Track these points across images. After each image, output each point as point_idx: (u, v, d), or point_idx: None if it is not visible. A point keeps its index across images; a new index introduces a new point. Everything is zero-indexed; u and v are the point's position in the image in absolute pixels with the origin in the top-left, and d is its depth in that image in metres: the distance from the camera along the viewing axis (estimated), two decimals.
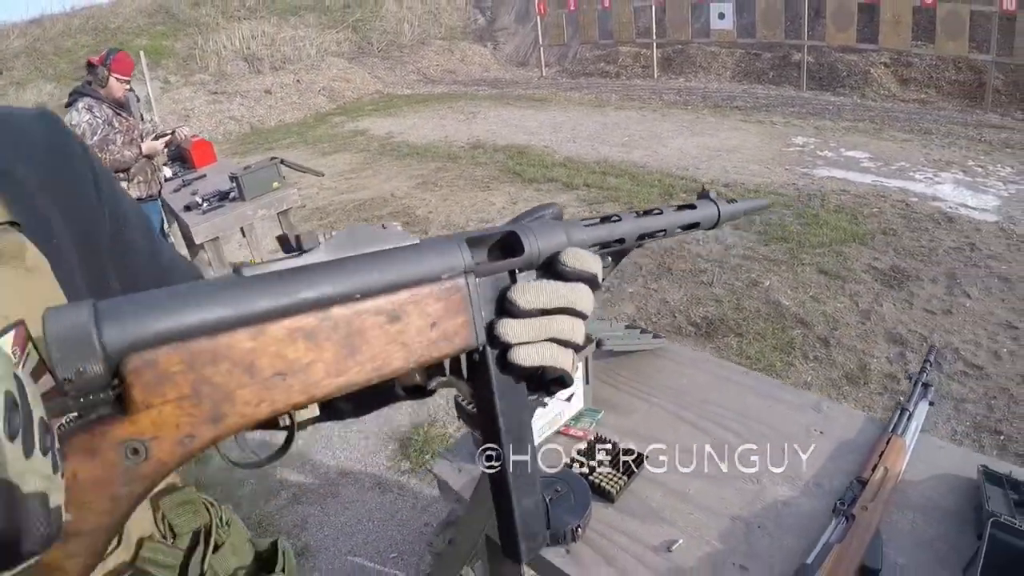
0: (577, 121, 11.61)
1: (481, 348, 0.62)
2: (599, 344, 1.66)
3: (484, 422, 0.65)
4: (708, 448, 1.48)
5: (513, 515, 0.65)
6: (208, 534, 0.79)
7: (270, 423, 0.58)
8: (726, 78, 15.53)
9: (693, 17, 15.54)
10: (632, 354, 1.79)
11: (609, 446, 1.47)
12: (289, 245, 0.53)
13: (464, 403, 1.42)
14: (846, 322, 4.30)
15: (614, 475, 1.39)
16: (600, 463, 1.42)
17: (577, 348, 0.66)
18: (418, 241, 0.58)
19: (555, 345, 0.64)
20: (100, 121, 4.70)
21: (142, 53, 16.20)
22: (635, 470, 1.41)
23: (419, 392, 0.70)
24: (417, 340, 0.57)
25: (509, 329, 0.61)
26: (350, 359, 0.53)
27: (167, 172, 5.72)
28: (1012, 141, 9.40)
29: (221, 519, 0.82)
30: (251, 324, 0.49)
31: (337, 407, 0.74)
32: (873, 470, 1.28)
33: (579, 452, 1.44)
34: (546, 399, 0.61)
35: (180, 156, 6.13)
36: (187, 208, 4.87)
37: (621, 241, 0.73)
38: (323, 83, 18.57)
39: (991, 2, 11.62)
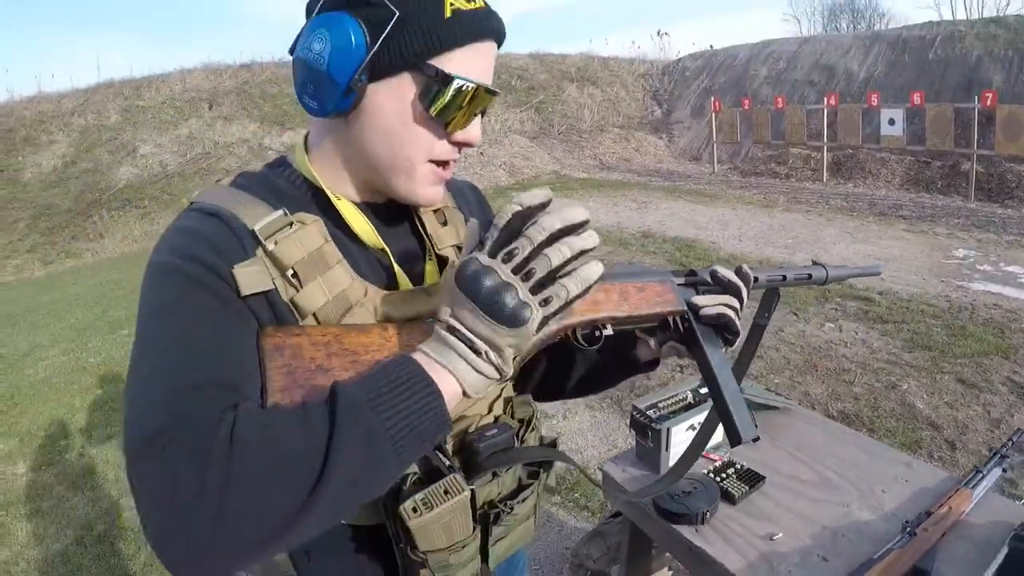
0: (744, 219, 11.95)
1: (685, 313, 1.07)
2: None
3: (699, 358, 1.07)
4: (812, 478, 1.94)
5: (732, 416, 1.02)
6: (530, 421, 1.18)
7: (588, 336, 1.00)
8: (894, 185, 15.66)
9: (864, 122, 15.86)
10: (767, 409, 2.27)
11: (738, 466, 1.94)
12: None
13: (639, 416, 1.96)
14: (975, 428, 4.52)
15: (737, 484, 1.83)
16: (728, 476, 1.88)
17: (737, 313, 1.08)
18: (658, 271, 1.09)
19: (726, 308, 1.07)
20: None
21: None
22: (754, 484, 1.85)
23: (653, 364, 1.20)
24: (653, 298, 1.04)
25: (699, 300, 1.07)
26: (624, 304, 1.00)
27: None
28: None
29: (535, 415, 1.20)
30: (607, 281, 0.99)
31: (613, 351, 1.18)
32: (939, 507, 1.62)
33: (715, 468, 1.93)
34: (726, 347, 1.08)
35: None
36: None
37: (756, 279, 1.17)
38: (504, 158, 19.29)
39: None
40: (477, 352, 0.81)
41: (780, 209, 13.09)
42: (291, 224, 0.91)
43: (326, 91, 0.91)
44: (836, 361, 5.64)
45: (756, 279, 1.17)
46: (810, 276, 1.26)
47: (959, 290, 7.50)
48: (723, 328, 1.08)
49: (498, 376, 0.84)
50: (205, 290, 0.84)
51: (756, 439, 1.06)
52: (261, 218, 0.91)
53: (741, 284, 1.11)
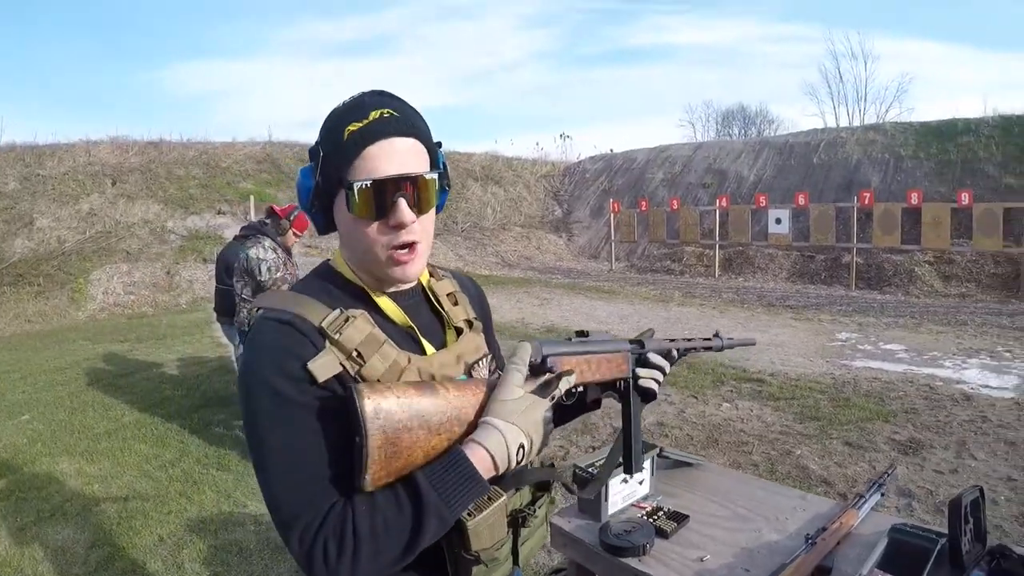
0: (643, 314, 12.29)
1: (629, 376, 1.44)
2: (661, 452, 2.43)
3: (625, 412, 1.46)
4: (726, 513, 2.19)
5: (632, 451, 1.46)
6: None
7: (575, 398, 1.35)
8: (781, 278, 16.46)
9: (753, 221, 16.78)
10: (685, 465, 2.55)
11: (665, 508, 2.20)
12: (583, 333, 1.36)
13: (581, 472, 2.18)
14: (863, 481, 4.76)
15: (667, 522, 2.09)
16: (659, 517, 2.13)
17: (660, 383, 1.49)
18: (617, 338, 1.43)
19: (654, 382, 1.46)
20: (280, 262, 5.54)
21: (251, 198, 17.44)
22: (681, 522, 2.11)
23: (598, 405, 1.46)
24: (614, 367, 1.39)
25: (640, 372, 1.44)
26: (597, 372, 1.35)
27: None
28: None
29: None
30: (582, 355, 1.32)
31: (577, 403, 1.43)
32: (833, 524, 1.87)
33: (647, 512, 2.16)
34: (645, 406, 1.48)
35: None
36: None
37: (678, 351, 1.58)
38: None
39: (1022, 199, 12.99)
40: (506, 438, 1.11)
41: (676, 303, 13.51)
42: (347, 319, 1.16)
43: (313, 219, 1.26)
44: (735, 435, 5.85)
45: (678, 351, 1.58)
46: (710, 346, 1.73)
47: (843, 368, 7.95)
48: (647, 394, 1.47)
49: (516, 455, 1.12)
50: (291, 402, 1.09)
51: (640, 471, 1.67)
52: (322, 316, 1.15)
53: (667, 365, 1.51)
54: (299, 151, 23.31)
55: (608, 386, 1.43)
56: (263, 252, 5.49)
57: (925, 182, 16.27)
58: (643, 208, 19.49)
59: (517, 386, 1.15)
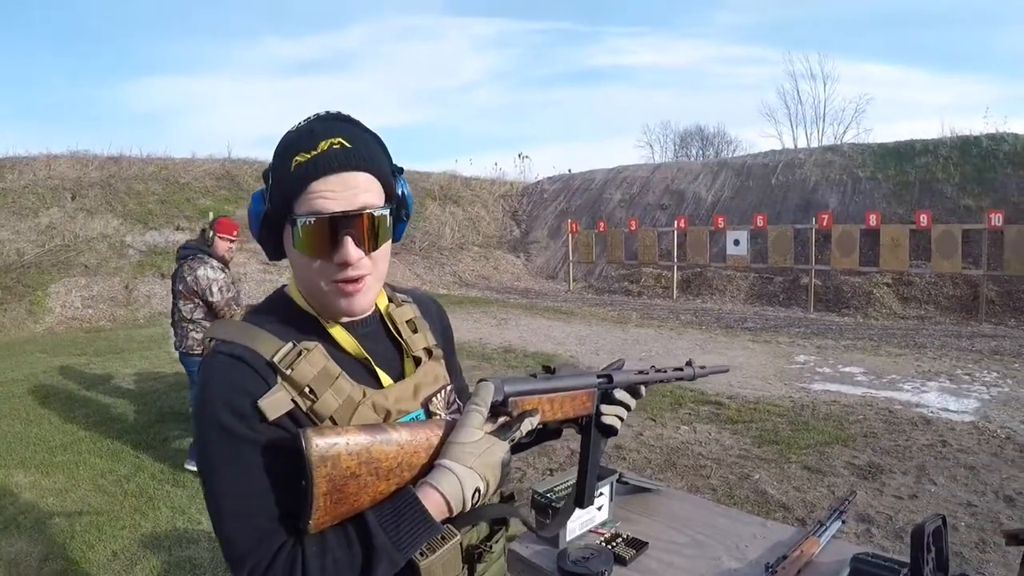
0: (600, 335, 12.24)
1: (593, 412, 1.39)
2: (620, 477, 2.41)
3: (584, 446, 1.42)
4: (686, 540, 2.19)
5: (585, 486, 1.41)
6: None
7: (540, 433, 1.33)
8: (739, 300, 16.46)
9: (711, 243, 16.77)
10: (643, 492, 2.53)
11: (624, 535, 2.18)
12: (550, 369, 1.31)
13: (539, 498, 2.19)
14: (821, 506, 4.71)
15: (626, 549, 2.08)
16: (617, 543, 2.13)
17: (623, 420, 1.44)
18: (584, 372, 1.39)
19: (617, 419, 1.41)
20: (229, 280, 5.45)
21: (211, 214, 17.21)
22: (640, 549, 2.11)
23: (557, 435, 1.42)
24: (578, 405, 1.34)
25: (604, 409, 1.39)
26: (560, 411, 1.30)
27: None
28: (1002, 348, 10.24)
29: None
30: (546, 393, 1.27)
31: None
32: (793, 552, 1.92)
33: (605, 539, 2.15)
34: (604, 442, 1.46)
35: None
36: None
37: (646, 384, 1.49)
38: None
39: (980, 220, 12.97)
40: (462, 482, 1.08)
41: (633, 324, 13.48)
42: (300, 352, 1.14)
43: (264, 247, 1.23)
44: (693, 459, 5.77)
45: (647, 384, 1.51)
46: (682, 376, 1.65)
47: (801, 391, 7.88)
48: (608, 430, 1.42)
49: (472, 498, 1.10)
50: (241, 440, 1.07)
51: (591, 505, 1.59)
52: (274, 350, 1.13)
53: (632, 403, 1.45)
54: (258, 168, 23.22)
55: (570, 421, 1.39)
56: (212, 272, 5.41)
57: (883, 203, 16.36)
58: (601, 229, 19.44)
59: (476, 427, 1.13)
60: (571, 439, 5.82)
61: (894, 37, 69.19)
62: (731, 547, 2.12)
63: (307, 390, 1.12)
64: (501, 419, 1.17)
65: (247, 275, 17.55)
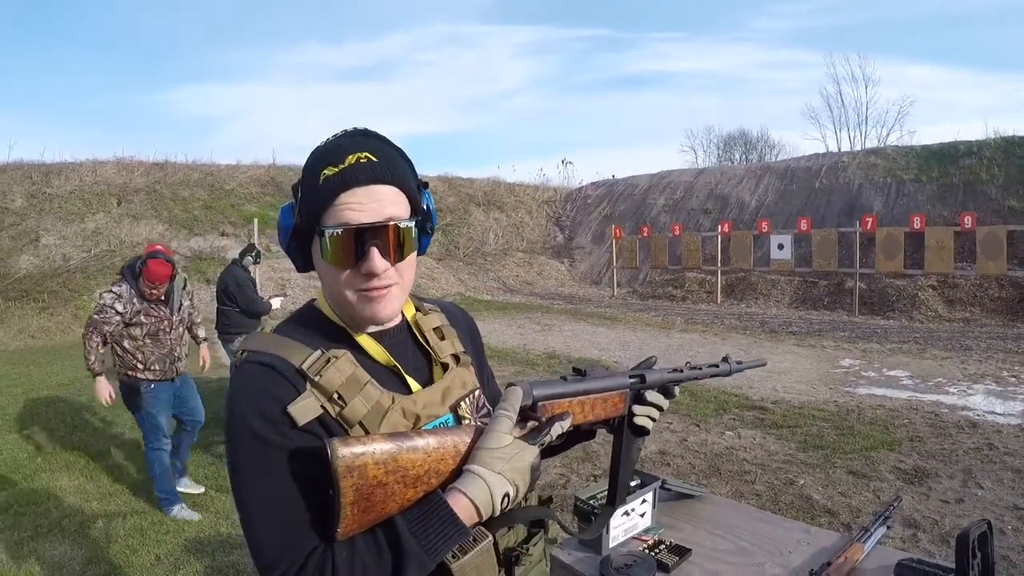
0: (644, 340, 12.25)
1: (625, 414, 1.39)
2: (663, 484, 2.42)
3: (616, 447, 1.44)
4: (729, 547, 2.19)
5: (617, 486, 1.44)
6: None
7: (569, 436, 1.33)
8: (784, 304, 16.44)
9: (755, 247, 16.73)
10: (685, 498, 2.55)
11: (667, 543, 2.20)
12: (580, 372, 1.30)
13: (582, 505, 2.23)
14: (867, 511, 4.71)
15: (669, 556, 2.09)
16: (660, 551, 2.13)
17: (654, 420, 1.45)
18: (616, 372, 1.39)
19: (649, 419, 1.41)
20: (117, 309, 5.10)
21: (255, 220, 17.20)
22: (683, 556, 2.11)
23: (591, 435, 1.44)
24: (610, 407, 1.34)
25: (636, 410, 1.39)
26: (591, 413, 1.30)
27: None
28: None
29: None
30: (576, 396, 1.27)
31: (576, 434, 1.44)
32: (838, 558, 1.92)
33: (648, 546, 2.16)
34: (640, 442, 1.46)
35: None
36: None
37: (679, 382, 1.48)
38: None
39: None
40: (491, 488, 1.10)
41: (678, 330, 13.47)
42: (328, 360, 1.17)
43: (293, 259, 1.27)
44: (737, 464, 5.79)
45: (678, 383, 1.50)
46: (718, 372, 1.63)
47: (846, 395, 7.89)
48: (640, 430, 1.43)
49: (501, 503, 1.11)
50: (271, 446, 1.09)
51: (623, 505, 1.68)
52: (303, 358, 1.16)
53: (665, 403, 1.45)
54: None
55: (602, 422, 1.41)
56: (107, 297, 5.21)
57: (927, 206, 16.29)
58: (645, 234, 19.54)
59: (505, 432, 1.13)
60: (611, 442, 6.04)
61: (935, 38, 68.75)
62: (775, 553, 2.10)
63: (336, 396, 1.14)
64: (530, 424, 1.18)
65: (290, 280, 17.71)
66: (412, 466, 1.08)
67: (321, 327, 1.26)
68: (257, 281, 7.07)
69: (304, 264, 1.26)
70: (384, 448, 1.06)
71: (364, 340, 1.27)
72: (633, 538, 2.21)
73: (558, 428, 1.20)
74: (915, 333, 12.37)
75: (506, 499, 1.11)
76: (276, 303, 7.25)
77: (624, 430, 1.42)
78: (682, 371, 1.51)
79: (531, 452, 1.14)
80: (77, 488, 5.73)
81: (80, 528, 4.94)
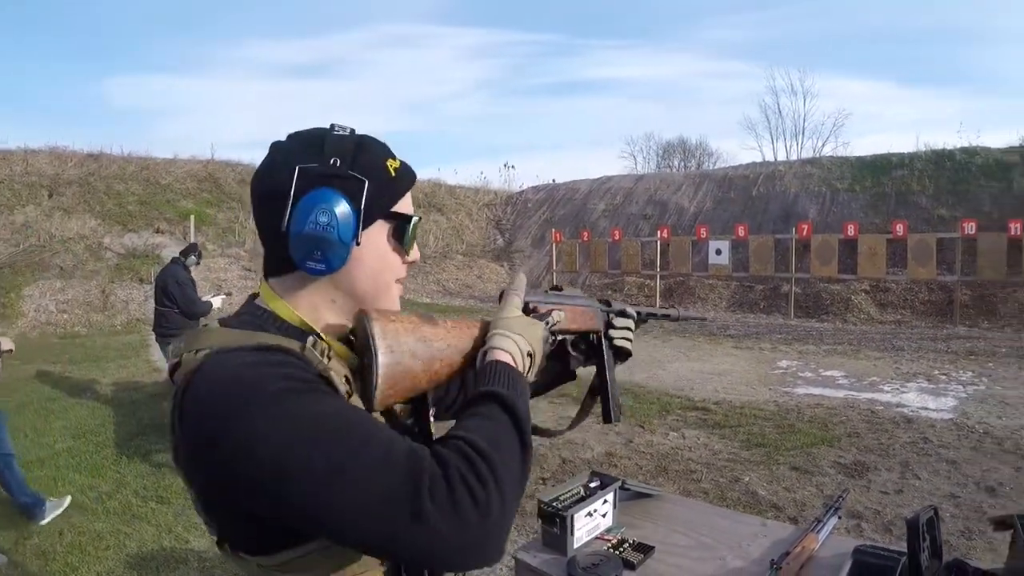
0: None
1: (600, 330, 1.55)
2: (623, 484, 2.43)
3: (598, 368, 1.58)
4: (690, 543, 2.22)
5: (610, 402, 1.57)
6: None
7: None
8: (722, 308, 16.75)
9: (694, 252, 17.00)
10: (643, 497, 2.57)
11: (631, 541, 2.21)
12: (558, 288, 1.49)
13: (546, 507, 2.21)
14: (812, 504, 4.87)
15: (633, 554, 2.11)
16: (624, 549, 2.15)
17: (630, 340, 1.62)
18: (589, 298, 1.54)
19: (627, 340, 1.59)
20: None
21: (192, 218, 16.97)
22: (647, 553, 2.13)
23: (572, 377, 1.58)
24: (587, 319, 1.49)
25: (616, 330, 1.57)
26: (576, 322, 1.45)
27: None
28: (976, 349, 10.70)
29: None
30: (560, 304, 1.41)
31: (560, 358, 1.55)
32: (795, 548, 1.95)
33: (612, 544, 2.18)
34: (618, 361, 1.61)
35: None
36: None
37: (638, 314, 1.69)
38: None
39: (954, 229, 13.62)
40: (518, 344, 1.16)
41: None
42: (327, 346, 1.10)
43: (335, 253, 1.09)
44: (683, 464, 5.88)
45: (639, 315, 1.71)
46: (668, 314, 1.88)
47: (785, 395, 8.10)
48: (621, 352, 1.61)
49: (526, 361, 1.16)
50: (319, 386, 0.98)
51: (619, 421, 1.62)
52: (299, 346, 1.06)
53: (633, 325, 1.64)
54: (242, 172, 22.94)
55: (582, 339, 1.55)
56: None
57: (861, 214, 16.81)
58: (585, 238, 19.60)
59: (517, 307, 1.23)
60: (561, 447, 6.13)
61: (871, 54, 70.67)
62: (734, 547, 2.16)
63: (346, 378, 1.09)
64: (531, 315, 1.30)
65: (227, 281, 17.38)
66: (437, 339, 1.13)
67: (282, 329, 1.13)
68: (195, 282, 6.89)
69: (343, 260, 1.11)
70: (413, 320, 1.11)
71: (337, 347, 1.15)
72: (596, 538, 2.23)
73: (557, 315, 1.36)
74: (849, 335, 12.75)
75: (529, 359, 1.17)
76: (217, 302, 7.11)
77: (604, 347, 1.57)
78: (639, 307, 1.72)
79: (541, 325, 1.23)
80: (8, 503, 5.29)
81: (14, 547, 4.70)
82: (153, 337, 7.08)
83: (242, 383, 0.93)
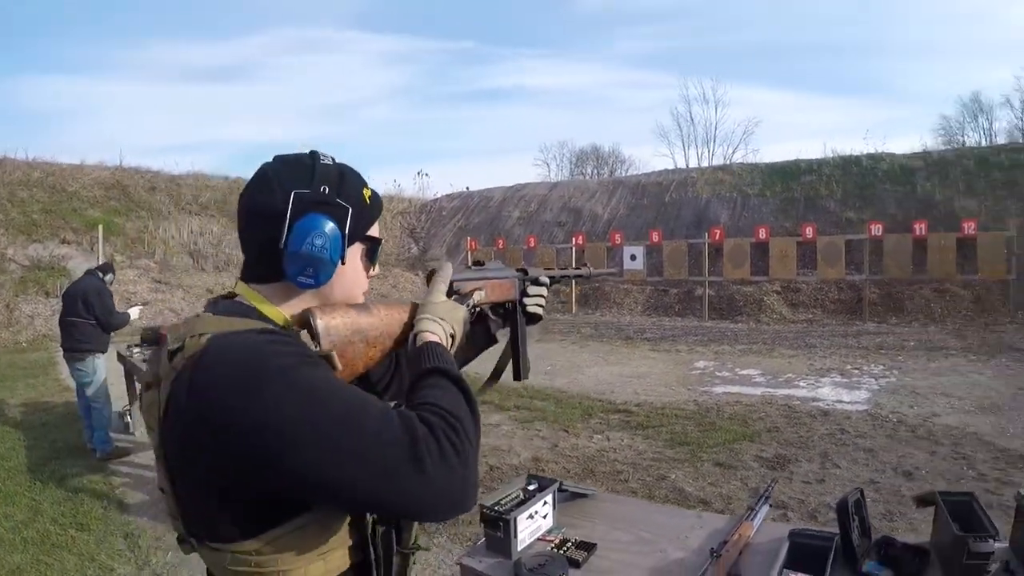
0: (501, 350, 12.32)
1: (516, 299, 1.67)
2: (560, 486, 2.47)
3: (512, 332, 1.69)
4: (630, 539, 2.27)
5: (520, 361, 1.71)
6: None
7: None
8: (637, 312, 16.95)
9: (609, 258, 17.13)
10: (580, 498, 2.63)
11: (573, 540, 2.25)
12: (480, 263, 1.63)
13: (488, 512, 2.23)
14: (738, 498, 4.93)
15: (577, 552, 2.14)
16: (568, 548, 2.19)
17: (542, 307, 1.73)
18: (507, 268, 1.68)
19: (539, 307, 1.71)
20: None
21: (100, 227, 16.17)
22: (590, 551, 2.16)
23: (493, 342, 1.69)
24: (505, 291, 1.64)
25: (529, 298, 1.69)
26: (494, 293, 1.60)
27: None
28: (886, 344, 11.15)
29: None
30: (482, 279, 1.58)
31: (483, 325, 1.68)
32: (732, 536, 2.02)
33: (556, 544, 2.22)
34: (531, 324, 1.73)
35: (156, 341, 6.63)
36: None
37: (552, 279, 1.80)
38: None
39: (862, 231, 14.29)
40: (443, 327, 1.33)
41: (535, 339, 13.50)
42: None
43: (324, 271, 1.22)
44: (610, 465, 5.88)
45: (552, 279, 1.84)
46: (580, 274, 2.03)
47: (704, 394, 8.22)
48: (533, 317, 1.74)
49: (448, 342, 1.33)
50: (322, 361, 1.11)
51: (526, 378, 1.76)
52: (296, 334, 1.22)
53: (546, 292, 1.76)
54: (152, 179, 22.34)
55: (500, 306, 1.70)
56: None
57: (771, 218, 17.28)
58: (500, 246, 19.70)
59: (442, 294, 1.40)
60: (487, 453, 6.11)
61: (781, 65, 72.30)
62: (673, 539, 2.23)
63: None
64: (454, 296, 1.47)
65: (136, 294, 16.68)
66: (371, 328, 1.27)
67: (265, 323, 1.23)
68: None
69: (329, 276, 1.26)
70: (350, 313, 1.25)
71: (305, 337, 1.27)
72: (539, 539, 2.28)
73: (477, 295, 1.54)
74: (763, 334, 13.07)
75: (451, 340, 1.34)
76: (135, 313, 6.78)
77: (518, 314, 1.71)
78: (552, 271, 1.86)
79: (462, 309, 1.40)
80: None
81: None
82: (61, 354, 6.66)
83: (260, 355, 1.04)
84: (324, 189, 1.22)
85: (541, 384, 9.15)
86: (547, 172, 46.86)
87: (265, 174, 1.22)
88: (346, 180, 1.28)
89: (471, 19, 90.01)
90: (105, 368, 6.43)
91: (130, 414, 7.14)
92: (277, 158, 1.27)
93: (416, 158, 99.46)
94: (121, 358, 6.85)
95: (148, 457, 6.09)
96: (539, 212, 22.68)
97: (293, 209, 1.18)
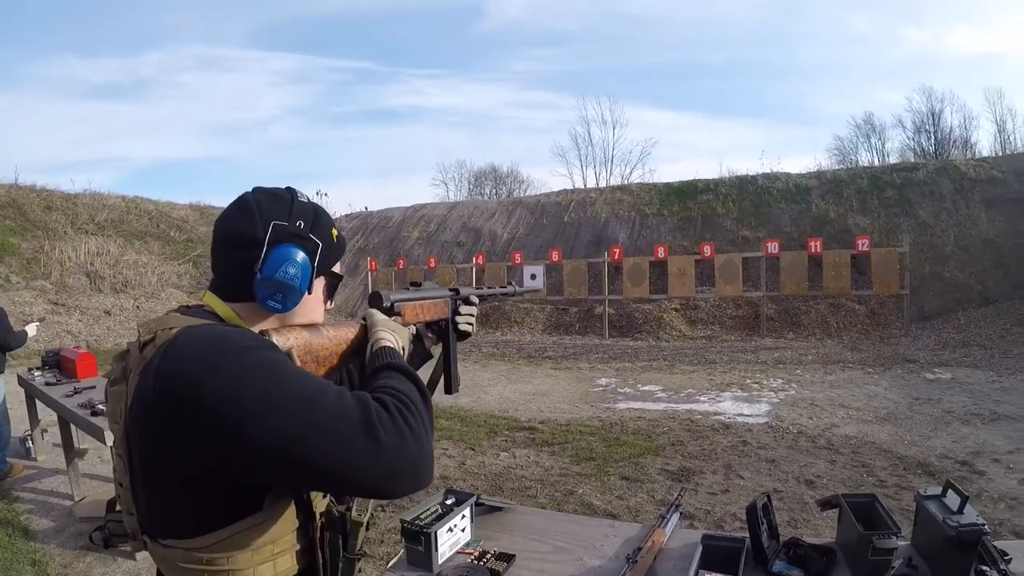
0: None
1: (449, 317, 1.78)
2: (478, 499, 2.50)
3: (444, 348, 1.81)
4: (547, 548, 2.31)
5: (451, 376, 1.83)
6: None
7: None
8: (538, 331, 16.98)
9: (508, 277, 17.10)
10: (496, 511, 2.66)
11: (492, 552, 2.29)
12: (417, 283, 1.72)
13: (409, 526, 2.24)
14: (646, 510, 4.98)
15: (497, 563, 2.19)
16: (488, 559, 2.22)
17: (472, 324, 1.86)
18: (442, 288, 1.80)
19: (469, 325, 1.83)
20: None
21: None
22: (510, 561, 2.20)
23: (428, 358, 1.78)
24: (439, 310, 1.74)
25: (461, 316, 1.81)
26: (429, 313, 1.70)
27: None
28: (784, 358, 11.45)
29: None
30: (419, 300, 1.67)
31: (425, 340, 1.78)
32: (646, 542, 2.11)
33: (475, 556, 2.25)
34: (461, 339, 1.83)
35: (58, 364, 6.48)
36: (93, 413, 4.93)
37: (482, 297, 1.94)
38: (161, 312, 18.20)
39: (758, 249, 14.71)
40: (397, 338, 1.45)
41: (436, 359, 13.37)
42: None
43: (292, 298, 1.32)
44: (517, 481, 5.86)
45: (482, 298, 1.96)
46: (507, 292, 2.19)
47: (607, 410, 8.24)
48: (464, 334, 1.85)
49: (403, 350, 1.46)
50: (280, 351, 1.21)
51: (457, 391, 1.89)
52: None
53: (476, 312, 1.89)
54: (47, 197, 21.41)
55: (435, 324, 1.79)
56: None
57: (669, 237, 17.60)
58: (400, 266, 19.55)
59: (384, 316, 1.50)
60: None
61: (677, 87, 73.78)
62: (589, 547, 2.29)
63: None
64: (394, 317, 1.56)
65: (32, 316, 15.53)
66: (321, 348, 1.37)
67: None
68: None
69: (296, 303, 1.36)
70: (303, 336, 1.34)
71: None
72: (459, 552, 2.33)
73: (415, 324, 1.66)
74: (663, 351, 13.22)
75: (404, 350, 1.45)
76: (32, 330, 6.44)
77: (450, 331, 1.81)
78: (482, 290, 2.01)
79: (407, 330, 1.54)
80: None
81: None
82: None
83: (226, 338, 1.14)
84: (300, 224, 1.34)
85: (446, 403, 9.05)
86: (445, 192, 46.75)
87: (248, 203, 1.30)
88: (319, 218, 1.39)
89: (370, 40, 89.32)
90: (3, 389, 6.14)
91: (31, 439, 6.78)
92: (258, 189, 1.36)
93: (315, 178, 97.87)
94: (23, 382, 6.45)
95: (54, 483, 6.01)
96: (439, 232, 22.62)
97: (271, 238, 1.29)
